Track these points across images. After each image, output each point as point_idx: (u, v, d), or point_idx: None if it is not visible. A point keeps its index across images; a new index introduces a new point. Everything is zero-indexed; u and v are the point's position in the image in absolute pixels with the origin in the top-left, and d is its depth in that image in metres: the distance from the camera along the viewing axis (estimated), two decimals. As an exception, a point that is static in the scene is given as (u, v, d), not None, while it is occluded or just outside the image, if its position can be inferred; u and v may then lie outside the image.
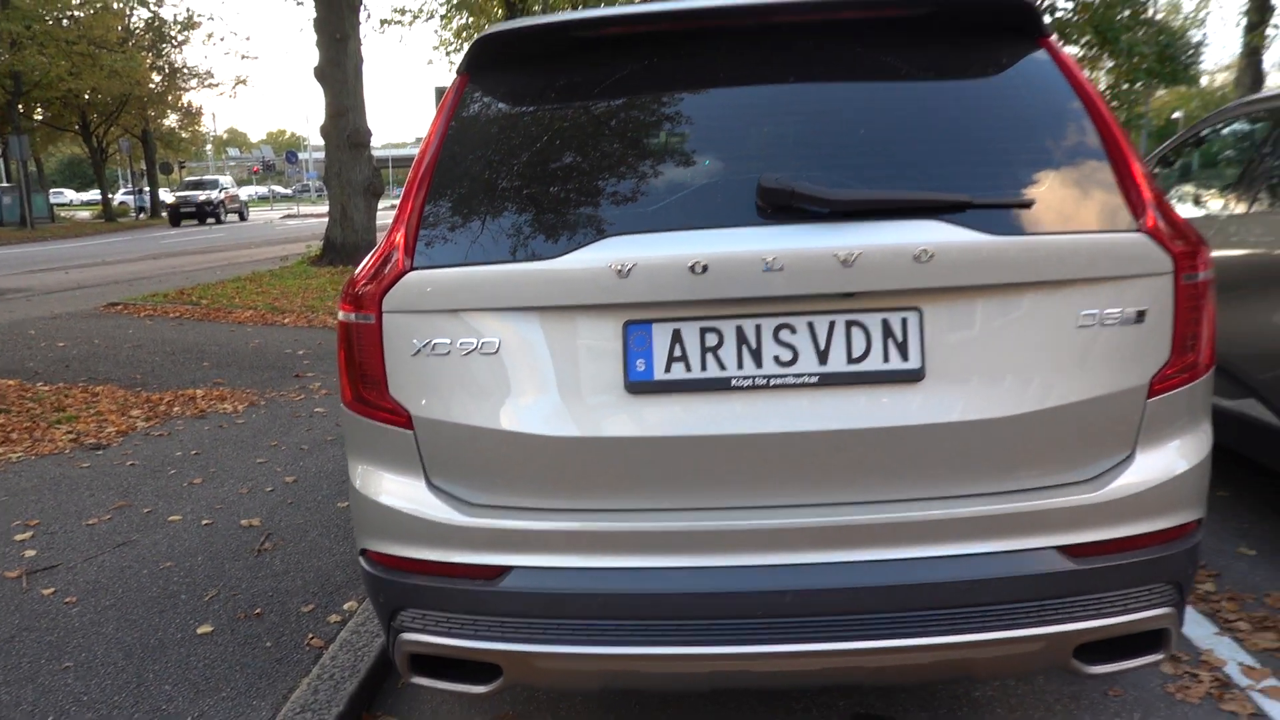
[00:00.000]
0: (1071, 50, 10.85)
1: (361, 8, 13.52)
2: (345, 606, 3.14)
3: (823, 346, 1.82)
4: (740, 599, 1.83)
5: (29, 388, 6.34)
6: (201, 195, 35.69)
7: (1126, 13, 9.29)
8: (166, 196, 47.97)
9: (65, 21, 31.11)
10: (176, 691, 2.62)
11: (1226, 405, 3.67)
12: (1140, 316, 1.85)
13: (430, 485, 1.96)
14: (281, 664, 2.78)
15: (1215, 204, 4.21)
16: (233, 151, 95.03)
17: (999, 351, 1.83)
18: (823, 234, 1.79)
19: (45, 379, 6.68)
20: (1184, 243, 1.87)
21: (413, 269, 1.92)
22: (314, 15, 12.95)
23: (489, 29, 2.15)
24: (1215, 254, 3.77)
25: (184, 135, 47.58)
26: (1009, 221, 1.83)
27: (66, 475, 4.58)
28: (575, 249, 1.85)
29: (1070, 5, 9.63)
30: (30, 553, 3.59)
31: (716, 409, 1.83)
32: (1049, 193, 1.88)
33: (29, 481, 4.48)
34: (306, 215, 44.75)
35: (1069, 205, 1.88)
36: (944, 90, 2.03)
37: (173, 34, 36.32)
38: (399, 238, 1.96)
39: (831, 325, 1.82)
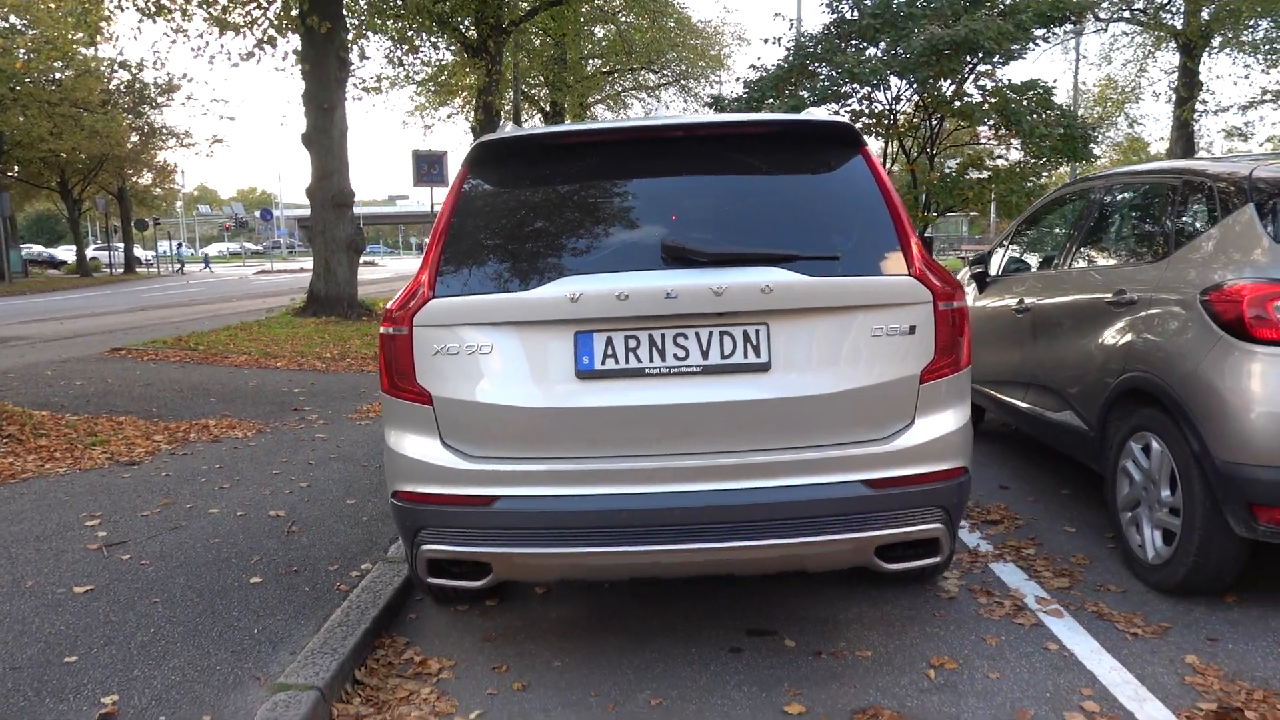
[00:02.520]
0: (982, 130, 12.17)
1: (348, 79, 14.62)
2: (363, 566, 4.02)
3: (705, 348, 2.80)
4: (651, 514, 2.78)
5: (60, 417, 7.16)
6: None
7: (1030, 97, 10.60)
8: (140, 252, 48.66)
9: (48, 85, 32.06)
10: (243, 615, 3.49)
11: (1053, 417, 4.70)
12: (912, 330, 2.86)
13: (443, 443, 2.90)
14: (318, 601, 3.66)
15: (1042, 262, 5.30)
16: (203, 208, 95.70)
17: (820, 351, 2.82)
18: (703, 275, 2.79)
19: (71, 410, 7.49)
20: (940, 283, 2.89)
21: (434, 297, 2.89)
22: (304, 88, 14.01)
23: (484, 138, 3.17)
24: (1045, 300, 4.85)
25: (157, 192, 48.49)
26: (824, 268, 2.84)
27: (112, 483, 5.41)
28: (542, 284, 2.83)
29: (977, 92, 10.94)
30: (102, 533, 4.44)
31: (636, 388, 2.80)
32: (853, 250, 2.91)
33: (81, 488, 5.32)
34: (280, 271, 45.56)
35: (865, 258, 2.90)
36: (788, 181, 3.08)
37: (153, 96, 37.38)
38: (424, 277, 2.93)
39: (710, 334, 2.81)
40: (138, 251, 49.73)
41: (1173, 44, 27.02)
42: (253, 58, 13.97)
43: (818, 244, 2.91)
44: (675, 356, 2.80)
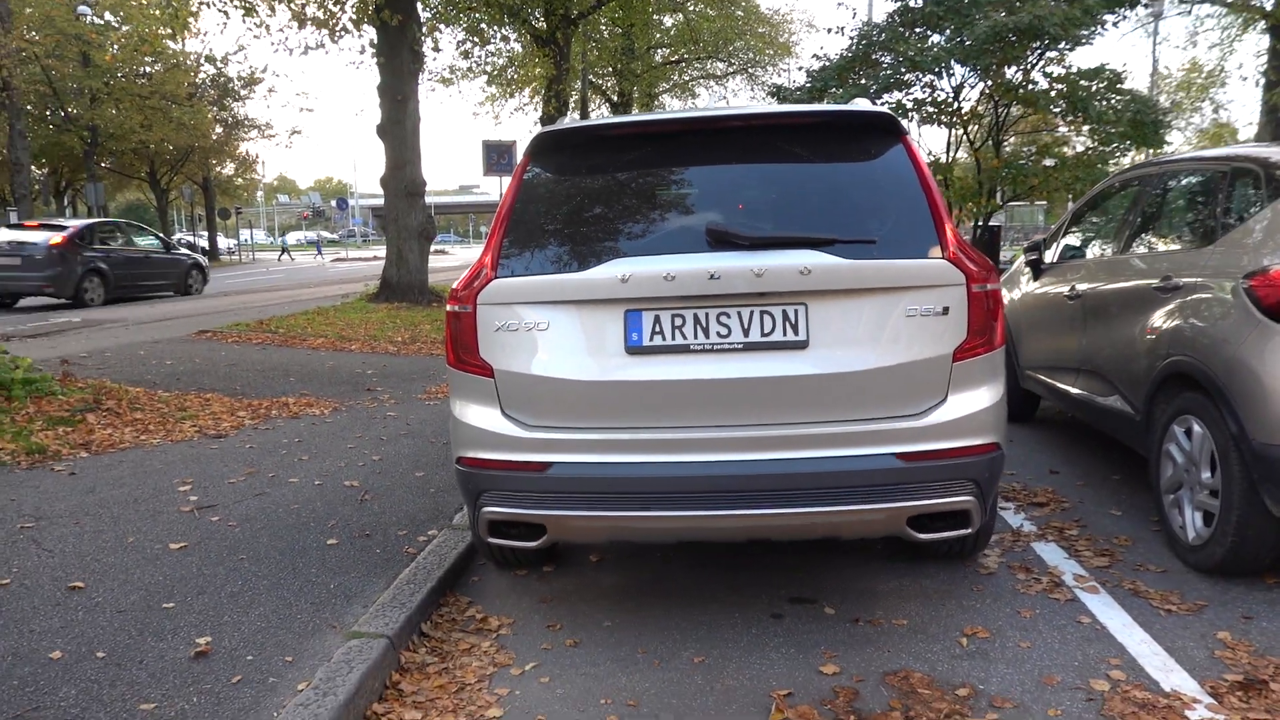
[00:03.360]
0: (1053, 118, 12.00)
1: (421, 71, 15.05)
2: (430, 533, 4.30)
3: (746, 326, 2.98)
4: (694, 481, 2.97)
5: (153, 393, 7.65)
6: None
7: (1098, 82, 10.43)
8: (221, 240, 50.45)
9: (140, 79, 33.50)
10: (321, 572, 3.80)
11: (1102, 402, 4.75)
12: (945, 311, 2.99)
13: (503, 412, 3.14)
14: (389, 562, 3.95)
15: (1099, 248, 5.33)
16: (282, 198, 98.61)
17: (856, 330, 2.98)
18: (745, 258, 2.96)
19: (163, 388, 7.99)
20: (974, 266, 3.01)
21: (496, 278, 3.12)
22: (379, 80, 14.48)
23: (544, 129, 3.39)
24: (1096, 287, 4.89)
25: (239, 182, 50.27)
26: (861, 252, 2.99)
27: (201, 454, 5.82)
28: (595, 266, 3.04)
29: (1043, 79, 10.81)
30: (194, 498, 4.81)
31: (681, 363, 3.00)
32: (889, 234, 3.05)
33: (174, 457, 5.73)
34: (354, 259, 46.81)
35: (901, 242, 3.04)
36: (829, 168, 3.23)
37: (236, 89, 38.73)
38: (488, 259, 3.17)
39: (751, 313, 2.98)
40: (220, 240, 51.59)
41: (1261, 25, 26.00)
42: (321, 48, 14.46)
43: (855, 228, 3.06)
44: (718, 334, 2.99)
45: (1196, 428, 3.73)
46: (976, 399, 3.05)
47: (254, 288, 23.63)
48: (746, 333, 2.98)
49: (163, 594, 3.56)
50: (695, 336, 2.99)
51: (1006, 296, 6.37)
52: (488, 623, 3.53)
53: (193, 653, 3.08)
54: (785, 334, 2.97)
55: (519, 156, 3.37)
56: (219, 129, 39.72)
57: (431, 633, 3.44)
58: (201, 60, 36.64)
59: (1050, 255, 5.86)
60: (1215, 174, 4.22)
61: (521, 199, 3.28)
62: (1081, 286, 5.10)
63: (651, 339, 3.01)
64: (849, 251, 2.98)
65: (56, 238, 16.75)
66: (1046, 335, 5.58)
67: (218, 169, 44.14)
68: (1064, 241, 5.80)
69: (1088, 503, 4.72)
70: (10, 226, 18.56)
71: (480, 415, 3.18)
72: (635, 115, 3.41)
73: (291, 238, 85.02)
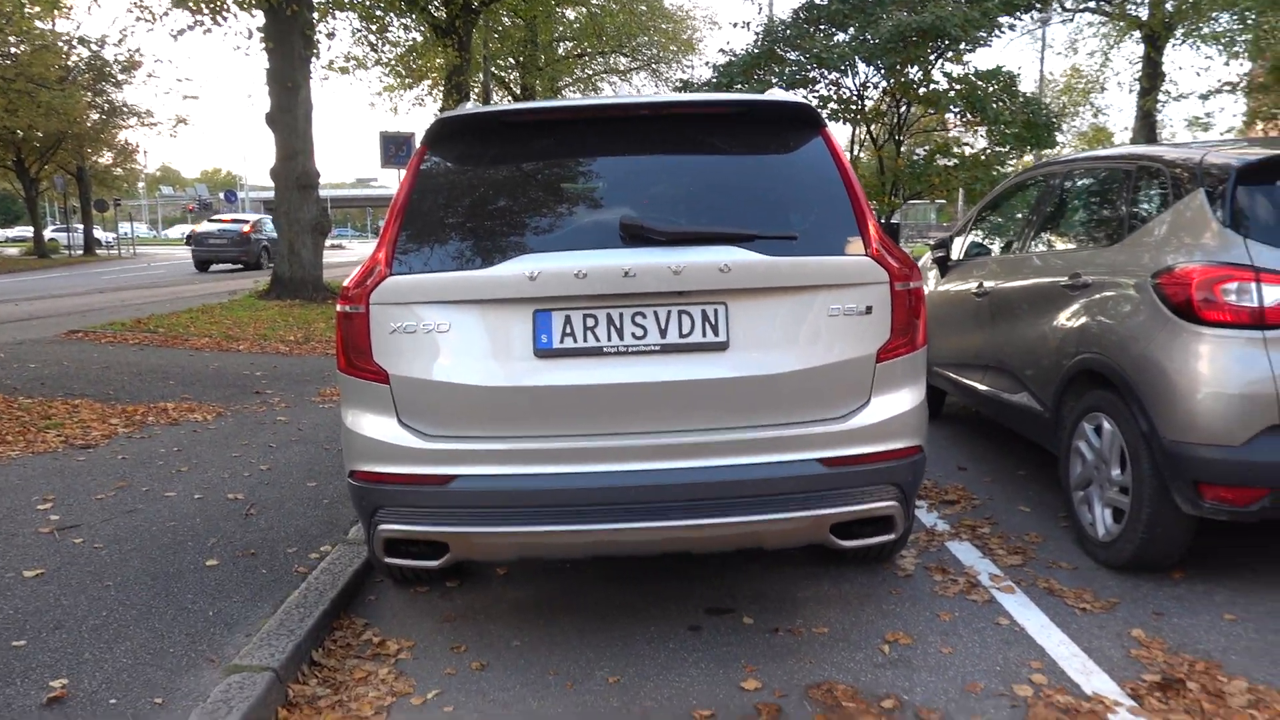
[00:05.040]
0: (949, 117, 12.28)
1: (313, 58, 14.41)
2: (323, 549, 4.00)
3: (663, 327, 2.81)
4: (609, 492, 2.78)
5: (12, 400, 7.03)
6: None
7: (995, 84, 10.72)
8: (100, 233, 47.73)
9: (4, 60, 31.30)
10: (198, 598, 3.46)
11: (1010, 398, 4.77)
12: (869, 310, 2.88)
13: (401, 422, 2.89)
14: (276, 583, 3.64)
15: (1006, 245, 5.37)
16: (166, 189, 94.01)
17: (778, 331, 2.84)
18: (661, 254, 2.79)
19: (25, 393, 7.35)
20: (897, 264, 2.91)
21: (391, 275, 2.86)
22: (268, 66, 13.79)
23: (443, 114, 3.13)
24: (1004, 284, 4.91)
25: (118, 172, 47.62)
26: (782, 248, 2.85)
27: (66, 466, 5.33)
28: (501, 262, 2.82)
29: (943, 79, 11.05)
30: (55, 517, 4.37)
31: (594, 367, 2.80)
32: (811, 230, 2.92)
33: (34, 471, 5.23)
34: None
35: (823, 238, 2.92)
36: (748, 161, 3.08)
37: (113, 73, 36.60)
38: (381, 254, 2.91)
39: (669, 313, 2.81)
40: (98, 233, 48.79)
41: (1137, 34, 27.38)
42: (200, 26, 13.68)
43: (776, 223, 2.92)
44: (633, 335, 2.80)
45: (1106, 425, 3.74)
46: (900, 400, 2.95)
47: (133, 284, 22.33)
48: (664, 334, 2.81)
49: (13, 630, 3.18)
50: (609, 338, 2.80)
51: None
52: (386, 646, 3.27)
53: (45, 698, 2.73)
54: (704, 335, 2.81)
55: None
56: (95, 115, 37.51)
57: (324, 661, 3.16)
58: (74, 42, 34.54)
59: (957, 252, 5.89)
60: (1121, 172, 4.26)
61: (419, 190, 3.03)
62: (989, 284, 5.12)
63: (562, 341, 2.80)
64: (770, 248, 2.84)
65: (245, 227, 27.31)
66: (954, 332, 5.60)
67: (94, 158, 41.69)
68: (970, 238, 5.84)
69: (997, 499, 4.73)
70: (211, 220, 29.59)
71: (375, 425, 2.92)
72: (543, 102, 3.19)
73: (175, 231, 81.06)
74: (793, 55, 11.38)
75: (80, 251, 42.00)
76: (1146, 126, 27.87)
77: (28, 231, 47.07)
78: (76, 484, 4.94)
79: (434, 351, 2.84)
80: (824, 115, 11.05)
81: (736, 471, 2.81)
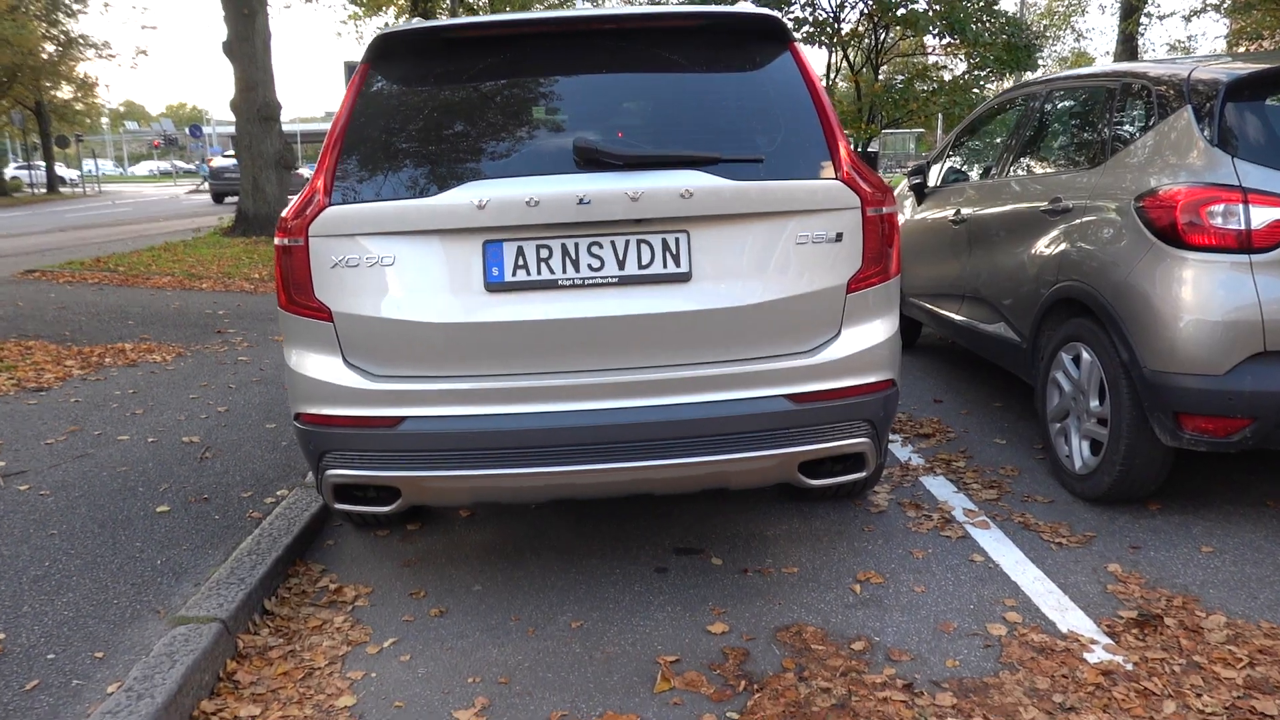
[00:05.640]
0: (929, 41, 11.96)
1: (270, -17, 13.81)
2: (279, 493, 3.86)
3: (621, 257, 2.64)
4: (566, 433, 2.64)
5: (-38, 343, 6.78)
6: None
7: (977, 5, 10.40)
8: (64, 171, 46.44)
9: (-49, -12, 30.01)
10: (146, 547, 3.33)
11: (986, 329, 4.66)
12: (839, 237, 2.72)
13: (346, 362, 2.73)
14: (229, 529, 3.50)
15: (983, 171, 5.20)
16: (130, 125, 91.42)
17: (743, 260, 2.68)
18: (618, 179, 2.60)
19: (-24, 336, 7.11)
20: (869, 188, 2.74)
21: (330, 205, 2.67)
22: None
23: (386, 30, 2.90)
24: (982, 211, 4.75)
25: (79, 108, 46.17)
26: (748, 171, 2.68)
27: (16, 410, 5.14)
28: (447, 189, 2.63)
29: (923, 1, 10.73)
30: (0, 463, 4.20)
31: (548, 301, 2.64)
32: (778, 152, 2.74)
33: (-18, 416, 5.04)
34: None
35: (791, 161, 2.74)
36: (711, 79, 2.88)
37: (68, 2, 35.20)
38: (320, 183, 2.71)
39: (627, 242, 2.64)
40: (62, 170, 47.50)
41: (1120, -46, 26.78)
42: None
43: (741, 146, 2.74)
44: (590, 267, 2.64)
45: (1085, 355, 3.63)
46: (871, 333, 2.81)
47: (97, 222, 21.76)
48: (622, 265, 2.64)
49: (-51, 583, 3.04)
50: (564, 270, 2.63)
51: (890, 222, 6.22)
52: (342, 593, 3.16)
53: (-22, 655, 2.61)
54: (665, 265, 2.65)
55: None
56: (50, 47, 36.16)
57: (276, 610, 3.04)
58: (24, -31, 33.07)
59: (934, 179, 5.71)
60: (1102, 91, 4.08)
61: (359, 112, 2.82)
62: (966, 211, 4.96)
63: (514, 274, 2.63)
64: (734, 171, 2.66)
65: None
66: (930, 261, 5.46)
67: (52, 92, 40.32)
68: (947, 164, 5.66)
69: (972, 432, 4.65)
70: (225, 156, 29.67)
71: (319, 365, 2.75)
72: (491, 15, 2.96)
73: (142, 168, 79.04)
74: (768, -26, 11.00)
75: (43, 190, 40.89)
76: (1128, 50, 27.48)
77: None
78: (26, 428, 4.76)
79: (378, 286, 2.66)
80: (798, 36, 10.64)
81: (700, 409, 2.68)
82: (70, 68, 39.20)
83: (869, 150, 11.66)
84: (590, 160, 2.63)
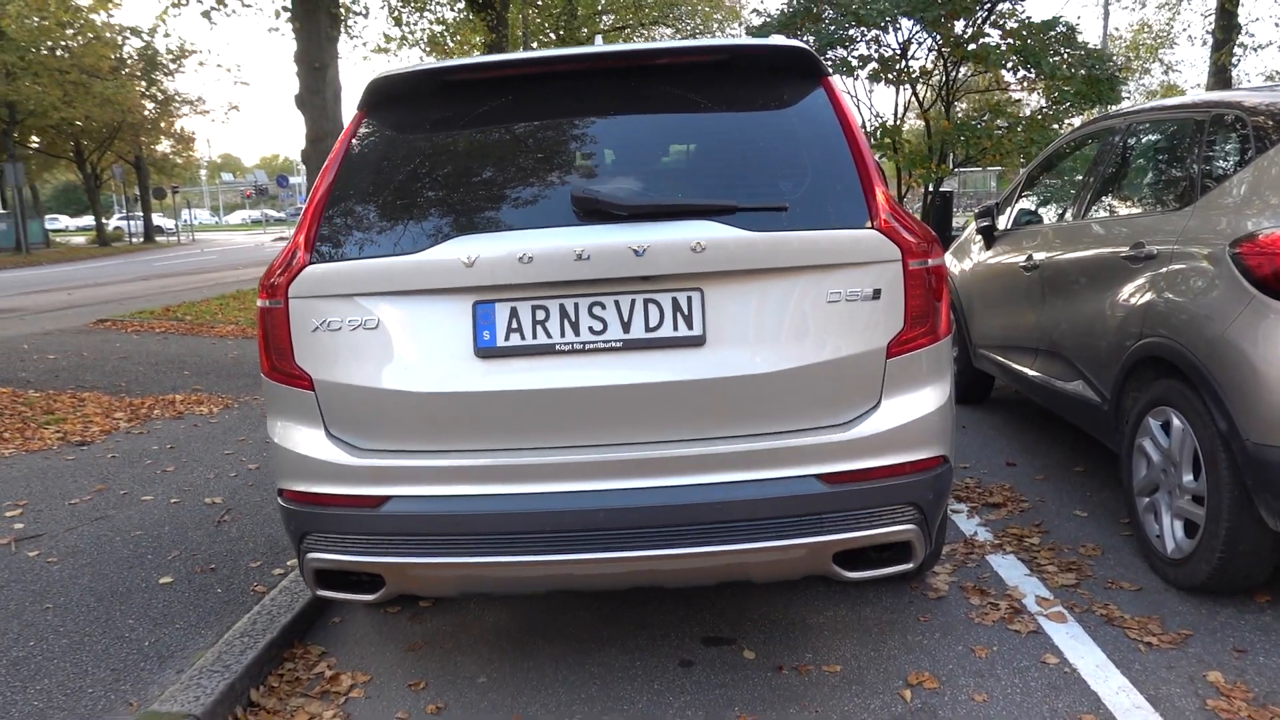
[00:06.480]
0: (1007, 77, 11.46)
1: (340, 37, 14.09)
2: (289, 563, 3.64)
3: (626, 319, 2.35)
4: (570, 516, 2.34)
5: (21, 394, 6.85)
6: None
7: (1052, 36, 9.91)
8: (158, 220, 48.57)
9: (59, 52, 31.78)
10: (138, 624, 3.12)
11: (1063, 387, 4.21)
12: (876, 294, 2.38)
13: (329, 434, 2.48)
14: (229, 605, 3.28)
15: (1058, 212, 4.76)
16: (226, 176, 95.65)
17: (765, 321, 2.36)
18: (621, 232, 2.32)
19: (36, 387, 7.18)
20: (911, 237, 2.40)
21: (310, 264, 2.45)
22: (295, 48, 13.51)
23: (379, 73, 2.69)
24: (1056, 256, 4.32)
25: (177, 161, 48.43)
26: (770, 222, 2.36)
27: (53, 466, 5.08)
28: (433, 245, 2.38)
29: (994, 33, 10.27)
30: (19, 525, 4.09)
31: (545, 368, 2.36)
32: (805, 199, 2.42)
33: (19, 471, 4.98)
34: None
35: (819, 209, 2.42)
36: (732, 119, 2.59)
37: (165, 62, 36.99)
38: (301, 239, 2.49)
39: (633, 302, 2.35)
40: (160, 221, 49.73)
41: (1210, -17, 25.76)
42: (225, 7, 13.53)
43: (762, 192, 2.43)
44: (591, 330, 2.35)
45: (1176, 421, 3.18)
46: (917, 403, 2.45)
47: (181, 270, 22.50)
48: (627, 327, 2.35)
49: (-73, 663, 2.87)
50: (562, 334, 2.35)
51: (956, 267, 5.81)
52: (338, 682, 2.90)
53: (-71, 754, 2.41)
54: (676, 328, 2.34)
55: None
56: (150, 105, 38.02)
57: (262, 701, 2.79)
58: (127, 34, 34.92)
59: (1004, 221, 5.29)
60: (1190, 123, 3.65)
61: (349, 162, 2.61)
62: (1039, 256, 4.54)
63: (507, 338, 2.36)
64: (754, 221, 2.35)
65: None
66: (1001, 310, 5.03)
67: (151, 146, 42.36)
68: (1019, 206, 5.23)
69: (1049, 502, 4.18)
70: None
71: (301, 438, 2.52)
72: (495, 55, 2.73)
73: (235, 217, 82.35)
74: (830, 13, 10.69)
75: (141, 239, 42.81)
76: (1221, 83, 26.28)
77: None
78: (55, 487, 4.68)
79: (361, 352, 2.42)
80: (863, 74, 10.18)
81: (717, 491, 2.34)
82: (169, 124, 41.15)
83: (942, 190, 11.18)
84: (591, 211, 2.36)
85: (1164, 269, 3.35)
